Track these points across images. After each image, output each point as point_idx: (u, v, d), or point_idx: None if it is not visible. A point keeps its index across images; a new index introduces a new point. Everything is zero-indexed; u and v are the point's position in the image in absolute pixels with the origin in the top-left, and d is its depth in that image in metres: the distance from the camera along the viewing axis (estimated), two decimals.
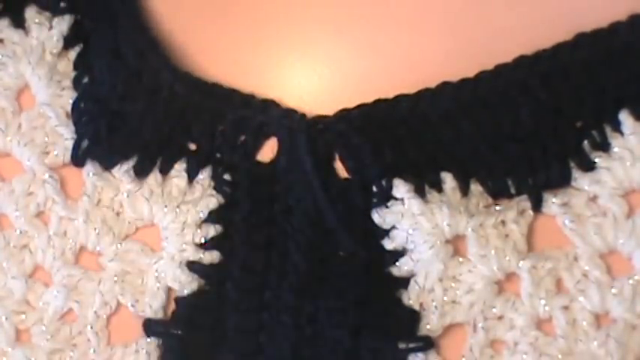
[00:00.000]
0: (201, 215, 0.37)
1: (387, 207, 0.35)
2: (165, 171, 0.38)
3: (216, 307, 0.36)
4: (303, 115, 0.36)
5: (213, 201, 0.37)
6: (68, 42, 0.40)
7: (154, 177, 0.37)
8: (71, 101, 0.39)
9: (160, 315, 0.37)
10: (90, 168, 0.38)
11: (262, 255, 0.36)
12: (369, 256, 0.35)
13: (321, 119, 0.36)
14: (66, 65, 0.40)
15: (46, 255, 0.38)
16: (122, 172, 0.38)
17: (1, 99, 0.40)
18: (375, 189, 0.36)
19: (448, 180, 0.35)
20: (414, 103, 0.35)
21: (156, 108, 0.38)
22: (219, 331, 0.36)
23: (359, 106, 0.36)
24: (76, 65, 0.40)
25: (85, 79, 0.39)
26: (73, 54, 0.40)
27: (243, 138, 0.37)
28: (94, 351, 0.37)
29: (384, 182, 0.35)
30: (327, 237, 0.36)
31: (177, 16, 0.40)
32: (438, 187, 0.35)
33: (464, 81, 0.35)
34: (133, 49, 0.38)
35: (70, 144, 0.38)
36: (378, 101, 0.36)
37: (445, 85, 0.35)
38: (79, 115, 0.38)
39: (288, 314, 0.35)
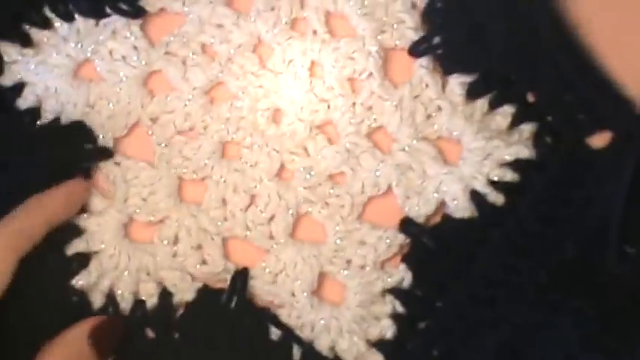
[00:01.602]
0: (508, 157, 0.38)
1: None
2: (494, 106, 0.39)
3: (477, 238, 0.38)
4: None
5: (525, 152, 0.38)
6: None
7: (482, 103, 0.39)
8: None
9: (421, 220, 0.39)
10: (424, 62, 0.39)
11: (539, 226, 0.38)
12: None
13: None
14: None
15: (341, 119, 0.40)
16: (456, 83, 0.39)
17: None
18: None
19: None
20: None
21: (516, 37, 0.38)
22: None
23: None
24: None
25: None
26: None
27: (582, 117, 0.38)
28: (344, 217, 0.40)
29: None
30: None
31: None
32: None
33: None
34: None
35: (409, 32, 0.40)
36: None
37: None
38: (435, 13, 0.39)
39: None
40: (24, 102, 0.41)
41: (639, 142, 0.37)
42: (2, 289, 0.36)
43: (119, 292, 0.40)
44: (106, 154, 0.41)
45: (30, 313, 0.38)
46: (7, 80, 0.41)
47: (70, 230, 0.41)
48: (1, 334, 0.38)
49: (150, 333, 0.40)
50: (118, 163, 0.41)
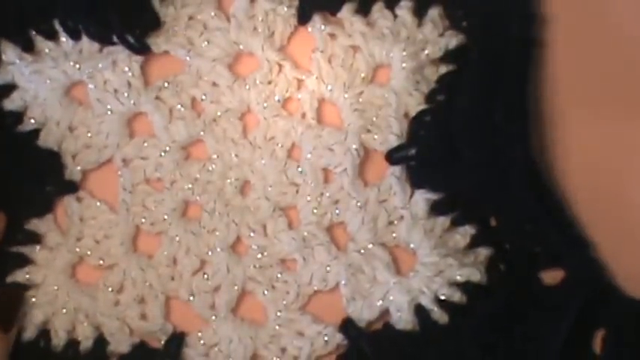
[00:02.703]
0: (459, 278, 0.39)
1: None
2: (455, 224, 0.40)
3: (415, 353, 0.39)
4: None
5: (477, 275, 0.39)
6: None
7: (443, 220, 0.40)
8: None
9: (362, 324, 0.39)
10: (397, 171, 0.40)
11: None
12: None
13: None
14: None
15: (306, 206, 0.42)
16: (422, 197, 0.40)
17: None
18: None
19: None
20: None
21: (489, 168, 0.39)
22: None
23: None
24: None
25: None
26: None
27: (538, 251, 0.39)
28: (287, 304, 0.40)
29: None
30: None
31: None
32: None
33: None
34: None
35: (392, 138, 0.40)
36: None
37: None
38: (419, 125, 0.40)
39: None
40: (10, 103, 0.41)
41: (588, 287, 0.38)
42: None
43: (53, 328, 0.40)
44: (71, 188, 0.41)
45: None
46: (0, 79, 0.41)
47: (15, 258, 0.40)
48: None
49: None
50: (79, 199, 0.41)
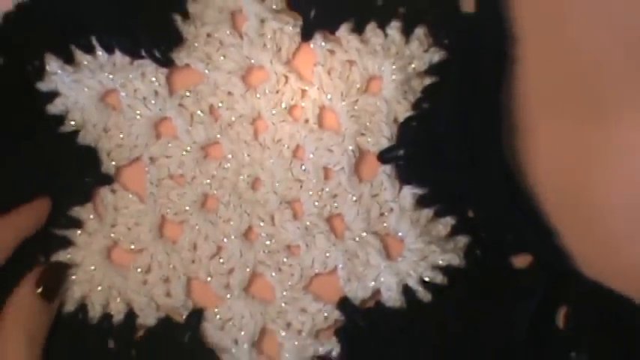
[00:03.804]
0: (441, 262, 0.43)
1: None
2: (438, 215, 0.44)
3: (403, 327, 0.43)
4: None
5: (456, 260, 0.43)
6: None
7: (427, 212, 0.44)
8: None
9: (357, 302, 0.44)
10: (388, 169, 0.44)
11: None
12: None
13: None
14: None
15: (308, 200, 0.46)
16: (409, 192, 0.44)
17: None
18: None
19: None
20: None
21: (469, 167, 0.42)
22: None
23: None
24: None
25: None
26: None
27: (509, 238, 0.43)
28: (292, 284, 0.45)
29: None
30: None
31: None
32: None
33: None
34: None
35: (383, 140, 0.44)
36: None
37: None
38: (407, 129, 0.44)
39: None
40: (54, 108, 0.45)
41: (552, 270, 0.41)
42: None
43: (90, 302, 0.45)
44: (107, 180, 0.46)
45: None
46: (44, 87, 0.45)
47: (59, 240, 0.45)
48: None
49: (111, 344, 0.44)
50: (114, 191, 0.46)
